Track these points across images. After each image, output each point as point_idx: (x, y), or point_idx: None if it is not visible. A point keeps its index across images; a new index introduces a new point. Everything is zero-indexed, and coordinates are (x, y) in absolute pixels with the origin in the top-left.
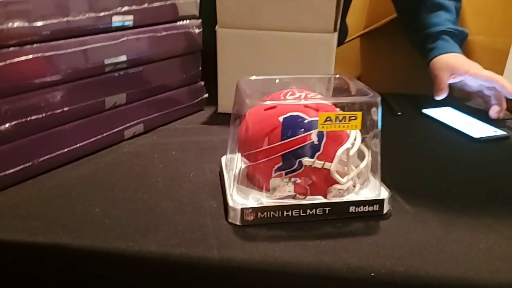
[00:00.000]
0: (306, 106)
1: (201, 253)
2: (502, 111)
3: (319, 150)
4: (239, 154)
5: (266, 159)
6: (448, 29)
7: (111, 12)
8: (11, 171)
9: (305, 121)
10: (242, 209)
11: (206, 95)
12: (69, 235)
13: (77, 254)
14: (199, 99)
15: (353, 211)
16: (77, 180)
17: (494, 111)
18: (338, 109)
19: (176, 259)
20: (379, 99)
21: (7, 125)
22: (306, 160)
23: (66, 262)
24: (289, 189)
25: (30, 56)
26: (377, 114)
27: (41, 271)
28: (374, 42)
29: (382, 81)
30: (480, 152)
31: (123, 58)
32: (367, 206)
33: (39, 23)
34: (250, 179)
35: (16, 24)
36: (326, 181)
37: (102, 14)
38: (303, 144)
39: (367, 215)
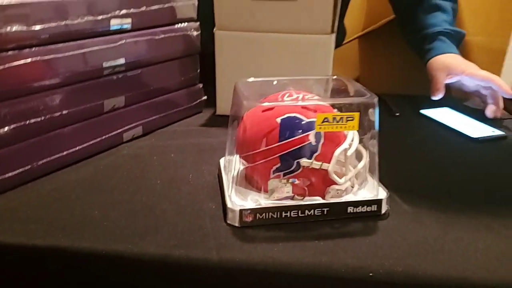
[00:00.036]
0: (303, 107)
1: (200, 254)
2: (499, 110)
3: (317, 151)
4: (238, 156)
5: (264, 160)
6: (445, 30)
7: (109, 15)
8: (10, 174)
9: (303, 122)
10: (241, 210)
11: (205, 97)
12: (69, 238)
13: (77, 257)
14: (198, 101)
15: (351, 211)
16: (76, 183)
17: (490, 111)
18: (335, 110)
19: (175, 261)
20: (376, 99)
21: (6, 128)
22: (304, 161)
23: (66, 265)
24: (287, 190)
25: (29, 60)
26: (374, 115)
27: (41, 274)
28: (373, 43)
29: (380, 82)
30: (478, 152)
31: (122, 61)
32: (365, 206)
33: (38, 27)
34: (248, 181)
35: (14, 28)
36: (324, 181)
37: (100, 17)
38: (301, 145)
39: (365, 216)
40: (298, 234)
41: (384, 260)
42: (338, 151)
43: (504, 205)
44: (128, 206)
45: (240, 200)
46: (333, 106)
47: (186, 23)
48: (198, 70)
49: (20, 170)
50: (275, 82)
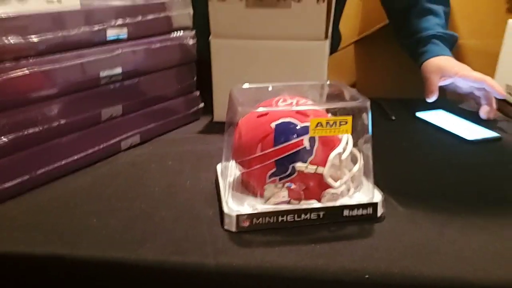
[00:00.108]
0: (297, 112)
1: (198, 260)
2: (493, 111)
3: (311, 155)
4: (234, 162)
5: (259, 165)
6: (438, 33)
7: (105, 25)
8: (9, 184)
9: (297, 127)
10: (237, 215)
11: (202, 104)
12: (68, 246)
13: (76, 264)
14: (195, 108)
15: (347, 214)
16: (75, 192)
17: (484, 112)
18: (329, 114)
19: (173, 267)
20: (368, 103)
21: (4, 138)
22: (299, 166)
23: (65, 272)
24: (284, 194)
25: (27, 71)
26: (368, 119)
27: (40, 282)
28: (368, 48)
29: (377, 87)
30: (472, 154)
31: (119, 70)
32: (361, 209)
33: (35, 38)
34: (245, 186)
35: (12, 40)
36: (320, 185)
37: (96, 28)
38: (295, 150)
39: (361, 219)
40: (294, 238)
41: (380, 262)
42: (332, 154)
43: (498, 206)
44: (126, 213)
45: (236, 205)
46: (327, 110)
47: (182, 32)
48: (195, 78)
49: (19, 179)
50: (270, 88)
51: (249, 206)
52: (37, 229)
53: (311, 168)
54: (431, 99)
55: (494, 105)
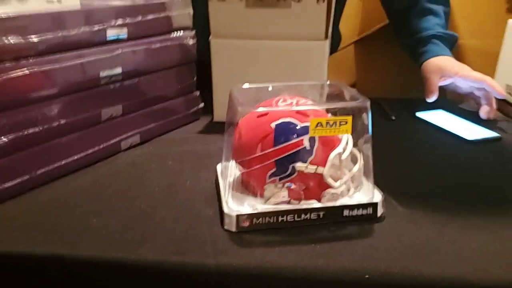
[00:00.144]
0: (297, 112)
1: (198, 260)
2: (493, 111)
3: (311, 155)
4: (234, 162)
5: (259, 165)
6: (437, 33)
7: (105, 25)
8: (9, 184)
9: (297, 127)
10: (237, 215)
11: (202, 104)
12: (68, 246)
13: (76, 264)
14: (195, 108)
15: (347, 214)
16: (75, 192)
17: (484, 112)
18: (330, 114)
19: (173, 267)
20: (368, 103)
21: (4, 138)
22: (299, 166)
23: (65, 272)
24: (284, 194)
25: (27, 71)
26: (367, 119)
27: (40, 282)
28: (368, 48)
29: (377, 87)
30: (472, 154)
31: (119, 70)
32: (361, 209)
33: (35, 38)
34: (245, 186)
35: (12, 40)
36: (320, 185)
37: (96, 28)
38: (295, 150)
39: (361, 219)
40: (294, 238)
41: (380, 262)
42: (332, 154)
43: (498, 206)
44: (126, 213)
45: (236, 205)
46: (327, 110)
47: (182, 32)
48: (195, 78)
49: (19, 179)
50: (270, 88)
51: (249, 206)
52: (37, 229)
53: (311, 168)
54: (431, 99)
55: (494, 105)
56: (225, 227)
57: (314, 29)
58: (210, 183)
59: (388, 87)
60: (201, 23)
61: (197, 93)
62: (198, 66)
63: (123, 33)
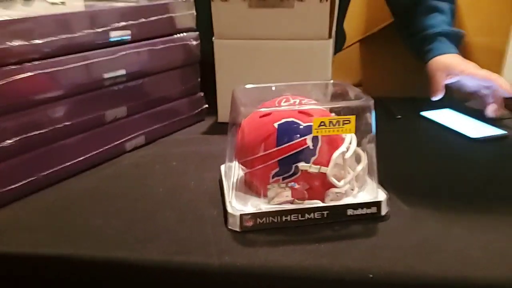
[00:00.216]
0: (300, 112)
1: (201, 260)
2: (500, 109)
3: (314, 155)
4: (237, 162)
5: (263, 165)
6: (443, 31)
7: (109, 27)
8: (15, 185)
9: (300, 127)
10: (241, 215)
11: (206, 105)
12: (72, 246)
13: (80, 265)
14: (199, 109)
15: (351, 214)
16: (79, 193)
17: (491, 110)
18: (333, 113)
19: (177, 267)
20: (372, 102)
21: (10, 141)
22: (302, 165)
23: (70, 273)
24: (287, 194)
25: (31, 74)
26: (371, 118)
27: (45, 282)
28: (374, 47)
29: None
30: (478, 152)
31: (122, 72)
32: (365, 208)
33: (40, 41)
34: (248, 186)
35: (17, 43)
36: (324, 185)
37: (100, 30)
38: (298, 149)
39: (365, 218)
40: (298, 237)
41: (384, 261)
42: (336, 154)
43: (504, 205)
44: (131, 213)
45: (240, 205)
46: (331, 110)
47: (185, 33)
48: (199, 79)
49: (25, 181)
50: (273, 88)
51: (253, 206)
52: (42, 230)
53: (314, 168)
54: (436, 97)
55: (502, 103)
56: (229, 227)
57: (318, 28)
58: (214, 184)
59: (393, 86)
60: (204, 24)
61: (201, 94)
62: (202, 67)
63: (127, 34)
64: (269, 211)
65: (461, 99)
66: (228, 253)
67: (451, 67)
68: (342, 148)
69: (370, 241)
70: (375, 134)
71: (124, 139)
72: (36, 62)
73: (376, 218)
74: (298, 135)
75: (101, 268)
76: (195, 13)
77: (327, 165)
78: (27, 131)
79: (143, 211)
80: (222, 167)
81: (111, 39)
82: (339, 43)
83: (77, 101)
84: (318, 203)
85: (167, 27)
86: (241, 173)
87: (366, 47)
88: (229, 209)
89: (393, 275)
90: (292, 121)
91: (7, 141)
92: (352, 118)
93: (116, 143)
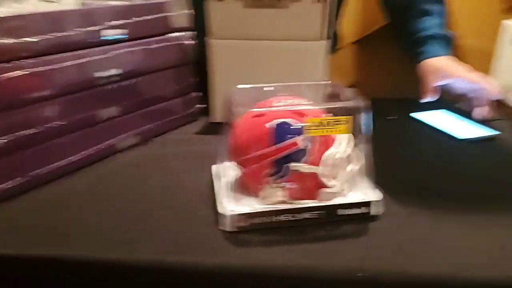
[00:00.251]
0: (293, 112)
1: (194, 260)
2: (488, 111)
3: (307, 155)
4: (230, 162)
5: (256, 165)
6: (435, 33)
7: (102, 26)
8: (5, 185)
9: (293, 127)
10: (234, 215)
11: (200, 105)
12: (65, 247)
13: (72, 265)
14: (193, 109)
15: (343, 213)
16: (72, 193)
17: (479, 112)
18: (330, 114)
19: (170, 267)
20: (364, 103)
21: (0, 140)
22: (295, 165)
23: (61, 273)
24: (280, 194)
25: (22, 72)
26: (363, 118)
27: (37, 283)
28: (369, 48)
29: (378, 87)
30: (468, 153)
31: (116, 71)
32: (356, 208)
33: (32, 39)
34: (241, 186)
35: (8, 41)
36: (316, 185)
37: (93, 28)
38: (291, 150)
39: (357, 217)
40: (291, 237)
41: (376, 260)
42: (326, 154)
43: (493, 205)
44: (123, 213)
45: (233, 205)
46: (324, 110)
47: (180, 33)
48: (193, 79)
49: (15, 181)
50: (267, 89)
51: (246, 206)
52: (33, 231)
53: (307, 168)
54: (427, 99)
55: (489, 106)
56: (222, 227)
57: (312, 29)
58: (208, 183)
59: (388, 87)
60: (199, 24)
61: (196, 93)
62: (197, 66)
63: (121, 33)
64: (262, 211)
65: (452, 101)
66: (220, 253)
67: (441, 69)
68: (333, 148)
69: (361, 241)
70: (368, 135)
71: (117, 139)
72: (27, 60)
73: (367, 218)
74: (292, 136)
75: (94, 269)
76: (190, 13)
77: (319, 165)
78: (18, 130)
79: (136, 211)
80: (214, 167)
81: (105, 38)
82: (334, 44)
83: (69, 100)
84: (310, 203)
85: (162, 26)
86: (235, 173)
87: (361, 48)
88: (222, 209)
89: (384, 275)
90: (285, 121)
91: None
92: (344, 118)
93: (109, 142)
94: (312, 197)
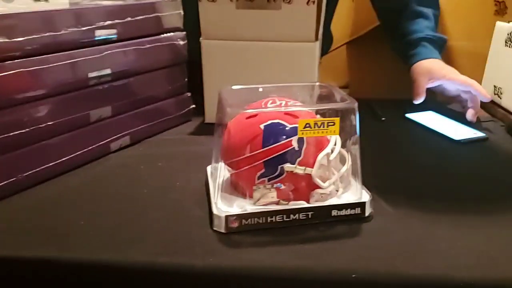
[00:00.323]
0: (286, 113)
1: (186, 261)
2: (478, 113)
3: (300, 156)
4: (223, 163)
5: (248, 166)
6: (427, 36)
7: (94, 26)
8: None
9: (286, 128)
10: (226, 216)
11: (193, 106)
12: (56, 248)
13: (64, 267)
14: (186, 110)
15: (336, 214)
16: (63, 194)
17: (470, 114)
18: (318, 115)
19: (162, 268)
20: (356, 105)
21: None
22: (288, 166)
23: (53, 275)
24: (272, 195)
25: (13, 72)
26: (355, 120)
27: (28, 285)
28: (361, 49)
29: (370, 88)
30: (460, 154)
31: (108, 71)
32: (349, 209)
33: (23, 38)
34: (234, 187)
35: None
36: (309, 186)
37: (85, 28)
38: (284, 151)
39: (350, 218)
40: (284, 238)
41: (368, 261)
42: (320, 155)
43: (485, 205)
44: (115, 215)
45: (226, 206)
46: (316, 112)
47: (172, 33)
48: (186, 79)
49: (6, 181)
50: (260, 89)
51: (238, 207)
52: (25, 232)
53: (299, 169)
54: (418, 101)
55: (481, 107)
56: (214, 228)
57: (304, 30)
58: (200, 184)
59: (380, 88)
60: (192, 24)
61: (188, 94)
62: (189, 67)
63: (113, 33)
64: (255, 212)
65: (444, 102)
66: (213, 254)
67: (433, 71)
68: (327, 150)
69: (354, 242)
70: (360, 136)
71: (109, 139)
72: (18, 60)
73: (360, 218)
74: (284, 137)
75: (86, 270)
76: (182, 13)
77: (312, 166)
78: (9, 130)
79: (129, 212)
80: (208, 168)
81: (97, 38)
82: (326, 45)
83: (61, 101)
84: (303, 204)
85: (154, 27)
86: (227, 174)
87: (353, 49)
88: (214, 210)
89: (377, 275)
90: (278, 122)
91: None
92: (337, 120)
93: (100, 143)
94: (304, 198)
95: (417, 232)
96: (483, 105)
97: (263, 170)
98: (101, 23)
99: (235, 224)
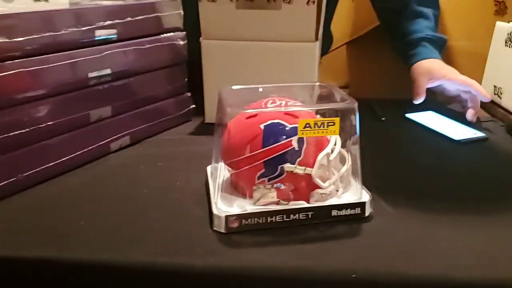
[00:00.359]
0: (286, 113)
1: (186, 261)
2: (478, 113)
3: (300, 156)
4: (223, 163)
5: (248, 166)
6: (427, 36)
7: (94, 26)
8: None
9: (286, 128)
10: (227, 216)
11: (193, 106)
12: (56, 248)
13: (64, 267)
14: (186, 110)
15: (336, 214)
16: (63, 194)
17: (470, 114)
18: (318, 115)
19: (162, 268)
20: (356, 105)
21: None
22: (288, 166)
23: (53, 275)
24: (272, 195)
25: (13, 72)
26: (355, 120)
27: (28, 285)
28: (360, 49)
29: (370, 88)
30: (460, 154)
31: (107, 71)
32: (349, 209)
33: (23, 38)
34: (234, 187)
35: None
36: (309, 186)
37: (85, 28)
38: (284, 151)
39: (350, 218)
40: (283, 238)
41: (368, 261)
42: (320, 155)
43: (485, 205)
44: (115, 215)
45: (226, 206)
46: (316, 112)
47: (172, 33)
48: (186, 79)
49: (6, 181)
50: (260, 89)
51: (238, 207)
52: (25, 232)
53: (299, 169)
54: (418, 101)
55: (479, 108)
56: (214, 228)
57: (304, 30)
58: (200, 184)
59: (380, 88)
60: (192, 24)
61: (188, 94)
62: (189, 67)
63: (113, 33)
64: (255, 212)
65: (444, 102)
66: (213, 254)
67: (433, 71)
68: (327, 150)
69: (354, 242)
70: (360, 136)
71: (109, 139)
72: (18, 60)
73: (360, 218)
74: (284, 137)
75: (86, 270)
76: (182, 13)
77: (312, 166)
78: (9, 130)
79: (129, 212)
80: (208, 168)
81: (97, 38)
82: (326, 45)
83: (61, 101)
84: (303, 204)
85: (154, 27)
86: (227, 174)
87: (353, 49)
88: (215, 210)
89: (377, 275)
90: (278, 122)
91: None
92: (337, 120)
93: (100, 143)
94: (304, 198)
95: (417, 232)
96: (483, 105)
97: (263, 170)
98: (101, 23)
99: (235, 224)
